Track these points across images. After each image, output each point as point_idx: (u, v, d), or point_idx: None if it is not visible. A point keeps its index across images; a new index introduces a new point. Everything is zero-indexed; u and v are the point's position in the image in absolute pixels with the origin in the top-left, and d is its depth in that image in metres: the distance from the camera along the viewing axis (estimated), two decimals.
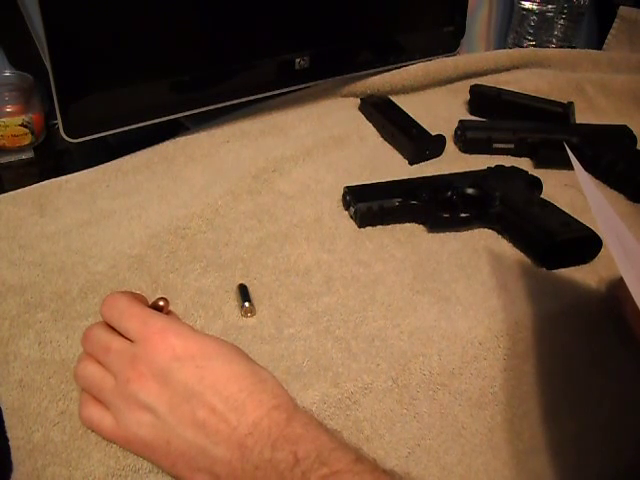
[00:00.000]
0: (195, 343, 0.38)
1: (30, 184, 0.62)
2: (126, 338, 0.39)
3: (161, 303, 0.42)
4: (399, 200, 0.60)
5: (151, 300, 0.44)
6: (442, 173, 0.66)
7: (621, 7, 1.06)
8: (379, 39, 0.83)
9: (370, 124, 0.77)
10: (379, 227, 0.60)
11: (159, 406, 0.36)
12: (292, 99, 0.78)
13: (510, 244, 0.59)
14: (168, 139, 0.70)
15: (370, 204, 0.59)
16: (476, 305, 0.51)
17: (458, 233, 0.60)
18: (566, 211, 0.59)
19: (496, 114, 0.79)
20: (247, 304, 0.49)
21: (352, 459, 0.34)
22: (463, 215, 0.60)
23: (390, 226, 0.60)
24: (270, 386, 0.37)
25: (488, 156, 0.72)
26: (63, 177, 0.63)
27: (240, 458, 0.34)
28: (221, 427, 0.35)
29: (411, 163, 0.71)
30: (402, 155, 0.72)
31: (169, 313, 0.44)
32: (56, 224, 0.57)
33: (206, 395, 0.35)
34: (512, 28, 1.10)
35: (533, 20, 1.06)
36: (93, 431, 0.40)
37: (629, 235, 0.45)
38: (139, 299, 0.42)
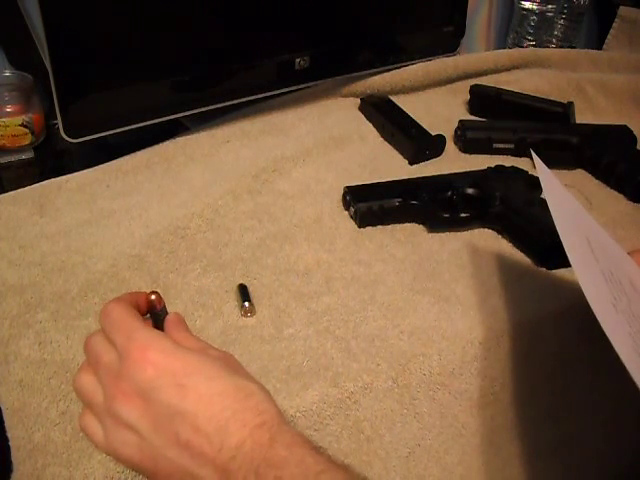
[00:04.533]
0: (177, 360, 0.36)
1: (30, 184, 0.62)
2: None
3: (153, 297, 0.41)
4: (399, 200, 0.60)
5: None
6: (442, 173, 0.66)
7: (621, 7, 1.06)
8: (379, 39, 0.83)
9: (370, 124, 0.77)
10: (379, 227, 0.60)
11: (143, 426, 0.35)
12: (292, 99, 0.79)
13: (510, 244, 0.59)
14: (168, 139, 0.70)
15: (370, 204, 0.59)
16: (476, 305, 0.51)
17: (458, 233, 0.60)
18: None
19: (496, 114, 0.79)
20: (247, 304, 0.49)
21: None
22: (463, 215, 0.60)
23: (390, 226, 0.60)
24: (255, 402, 0.35)
25: (488, 156, 0.72)
26: (63, 177, 0.63)
27: None
28: (205, 449, 0.34)
29: (411, 163, 0.71)
30: (402, 155, 0.72)
31: (156, 311, 0.42)
32: (56, 224, 0.57)
33: (189, 415, 0.34)
34: (512, 28, 1.10)
35: (533, 20, 1.06)
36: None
37: (602, 232, 0.45)
38: (138, 302, 0.41)
